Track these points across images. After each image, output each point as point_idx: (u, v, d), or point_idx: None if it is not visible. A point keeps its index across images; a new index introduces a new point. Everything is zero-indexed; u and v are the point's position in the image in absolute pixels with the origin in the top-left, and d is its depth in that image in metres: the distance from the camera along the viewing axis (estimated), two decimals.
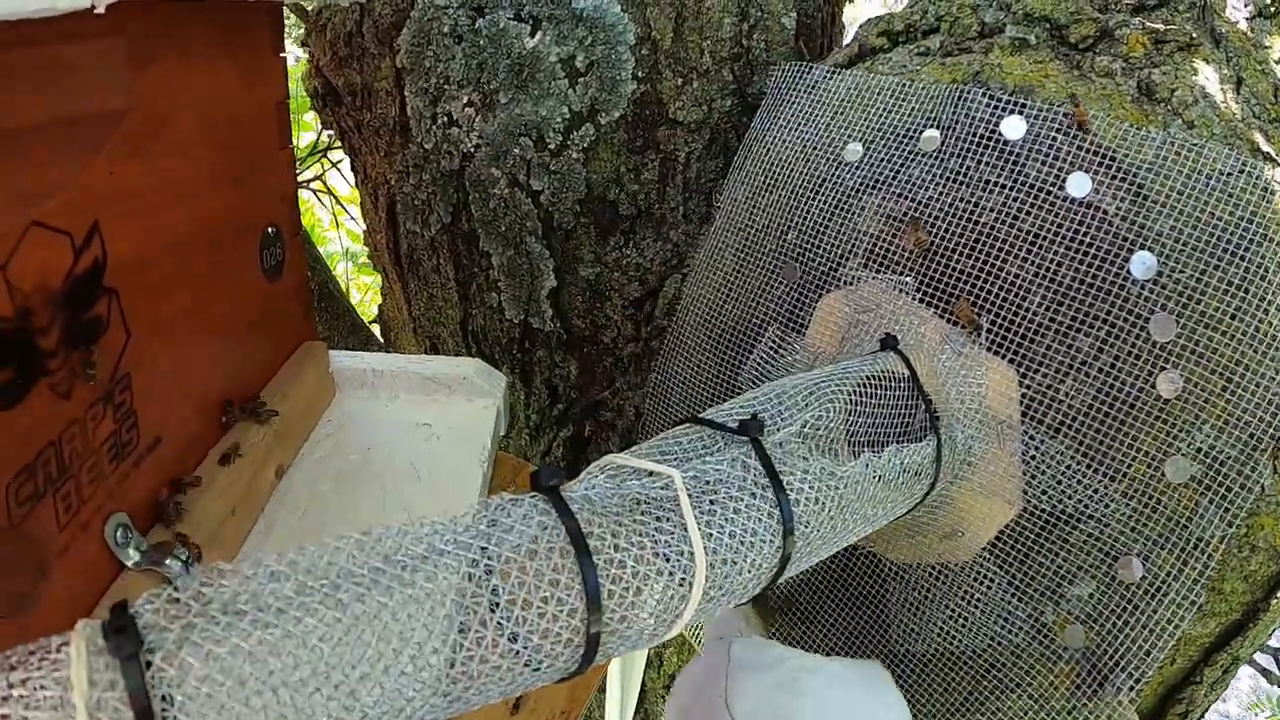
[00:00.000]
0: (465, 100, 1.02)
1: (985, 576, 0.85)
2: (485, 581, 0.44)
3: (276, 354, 0.96)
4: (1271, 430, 0.77)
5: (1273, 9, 0.87)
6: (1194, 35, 0.83)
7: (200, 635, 0.37)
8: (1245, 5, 0.87)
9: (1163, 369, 0.78)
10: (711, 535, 0.52)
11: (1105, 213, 0.79)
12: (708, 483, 0.56)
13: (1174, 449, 0.78)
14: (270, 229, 0.93)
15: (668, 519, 0.51)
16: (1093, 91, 0.82)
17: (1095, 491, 0.80)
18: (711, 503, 0.54)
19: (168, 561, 0.68)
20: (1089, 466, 0.80)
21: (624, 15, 0.99)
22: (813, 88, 0.95)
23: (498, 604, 0.44)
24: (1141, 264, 0.78)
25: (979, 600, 0.86)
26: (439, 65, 1.02)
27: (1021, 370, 0.82)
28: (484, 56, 1.01)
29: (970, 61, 0.87)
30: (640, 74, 1.00)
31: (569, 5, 0.99)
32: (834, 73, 0.94)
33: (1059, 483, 0.82)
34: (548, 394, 1.06)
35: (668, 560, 0.50)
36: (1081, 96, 0.82)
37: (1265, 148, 0.80)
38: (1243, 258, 0.77)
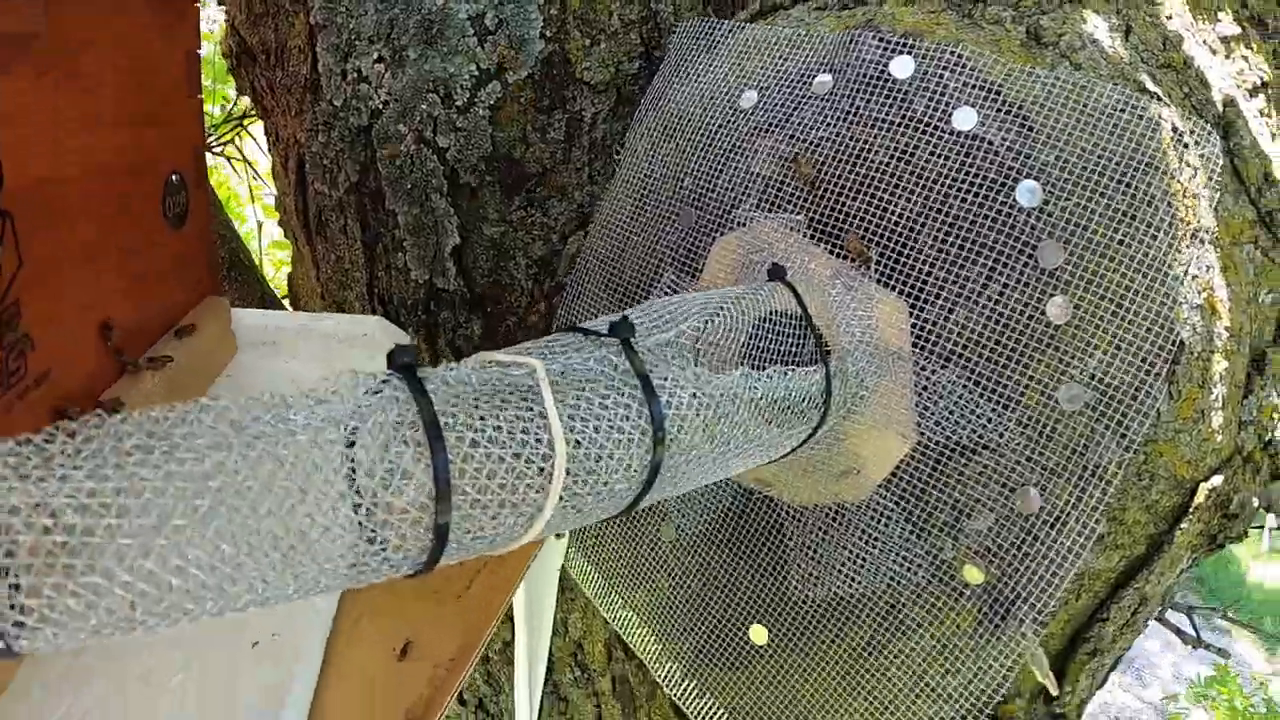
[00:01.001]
0: (375, 56, 0.95)
1: (882, 514, 0.78)
2: (346, 454, 0.38)
3: (177, 304, 0.88)
4: (1164, 355, 0.71)
5: None
6: None
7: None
8: None
9: (1051, 295, 0.72)
10: (574, 427, 0.47)
11: (991, 144, 0.73)
12: (574, 376, 0.50)
13: (1066, 376, 0.72)
14: (174, 176, 0.86)
15: (529, 407, 0.46)
16: (982, 37, 0.77)
17: (989, 421, 0.74)
18: (576, 396, 0.49)
19: None
20: (982, 395, 0.74)
21: None
22: (713, 45, 0.90)
23: (353, 478, 0.39)
24: (1027, 192, 0.72)
25: (877, 540, 0.79)
26: (351, 21, 0.96)
27: (912, 301, 0.76)
28: (395, 12, 0.95)
29: (865, 12, 0.82)
30: (549, 34, 0.94)
31: None
32: (734, 28, 0.88)
33: (952, 413, 0.75)
34: (453, 355, 0.99)
35: (525, 446, 0.44)
36: (970, 41, 0.77)
37: (1152, 88, 0.75)
38: (1130, 186, 0.71)
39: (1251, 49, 0.84)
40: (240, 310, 0.95)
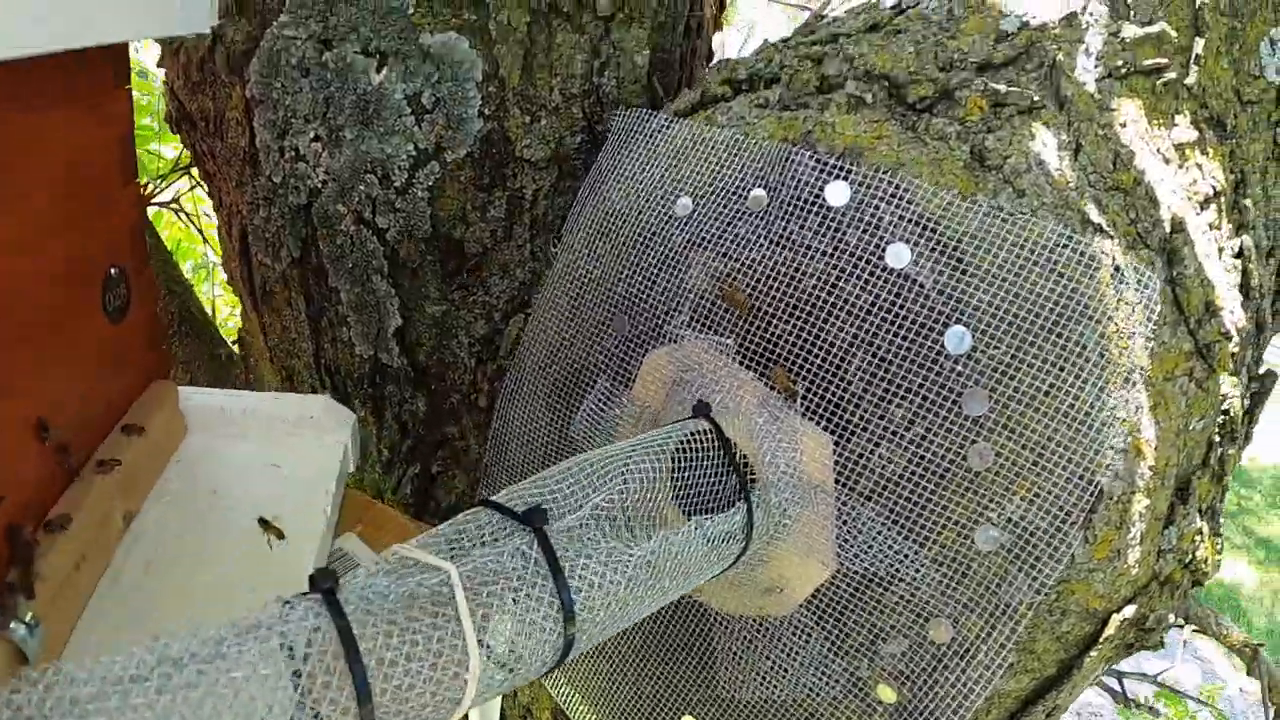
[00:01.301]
0: (312, 135, 0.91)
1: (804, 631, 0.78)
2: (289, 665, 0.43)
3: (123, 396, 0.87)
4: (1082, 504, 0.69)
5: (1123, 70, 0.77)
6: (1036, 99, 0.74)
7: None
8: (1095, 65, 0.78)
9: (974, 442, 0.70)
10: (487, 628, 0.50)
11: (922, 286, 0.70)
12: (486, 576, 0.52)
13: (984, 518, 0.71)
14: (113, 269, 0.83)
15: (444, 615, 0.49)
16: (924, 155, 0.73)
17: (906, 556, 0.73)
18: (489, 595, 0.51)
19: (11, 625, 0.62)
20: (900, 532, 0.73)
21: (472, 52, 0.89)
22: (652, 135, 0.85)
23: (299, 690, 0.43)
24: (956, 338, 0.69)
25: (798, 653, 0.79)
26: (286, 98, 0.91)
27: (836, 433, 0.74)
28: (330, 91, 0.90)
29: (805, 119, 0.77)
30: (487, 111, 0.90)
31: (416, 41, 0.88)
32: (673, 121, 0.84)
33: (870, 547, 0.74)
34: (399, 429, 0.97)
35: (440, 655, 0.47)
36: (911, 161, 0.73)
37: (1096, 218, 0.71)
38: (1061, 334, 0.69)
39: (1207, 154, 0.80)
40: (187, 390, 0.94)
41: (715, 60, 0.90)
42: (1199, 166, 0.79)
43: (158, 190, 1.81)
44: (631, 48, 0.92)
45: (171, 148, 1.93)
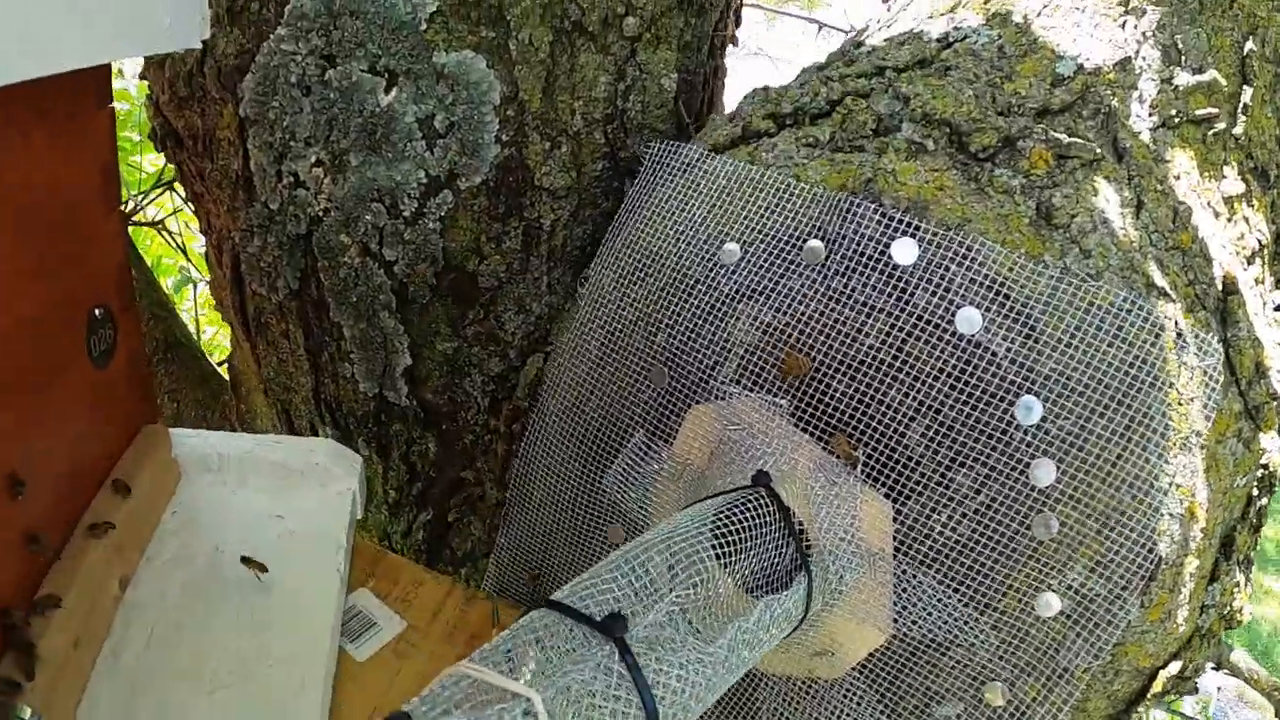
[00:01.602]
0: (313, 159, 0.83)
1: (854, 694, 0.76)
2: None
3: (111, 445, 0.79)
4: (1142, 572, 0.68)
5: (1176, 120, 0.75)
6: (1098, 151, 0.71)
7: None
8: (1149, 114, 0.75)
9: (1039, 512, 0.68)
10: None
11: (994, 354, 0.67)
12: (571, 697, 0.49)
13: (1045, 586, 0.69)
14: (98, 310, 0.75)
15: None
16: (989, 210, 0.70)
17: (965, 623, 0.71)
18: (575, 717, 0.48)
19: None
20: (960, 599, 0.71)
21: (490, 73, 0.82)
22: (688, 168, 0.80)
23: None
24: (1026, 409, 0.67)
25: (847, 715, 0.76)
26: (285, 119, 0.83)
27: (895, 499, 0.71)
28: (334, 112, 0.82)
29: (862, 163, 0.73)
30: (505, 137, 0.83)
31: (429, 60, 0.81)
32: (711, 156, 0.79)
33: (929, 613, 0.72)
34: (406, 470, 0.91)
35: None
36: (977, 217, 0.70)
37: (1160, 281, 0.69)
38: (1129, 403, 0.66)
39: (1253, 206, 0.79)
40: (179, 432, 0.86)
41: (752, 90, 0.85)
42: (1246, 220, 0.77)
43: (139, 207, 1.67)
44: (658, 70, 0.86)
45: (151, 163, 1.78)
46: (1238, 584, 0.78)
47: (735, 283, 0.74)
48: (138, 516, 0.79)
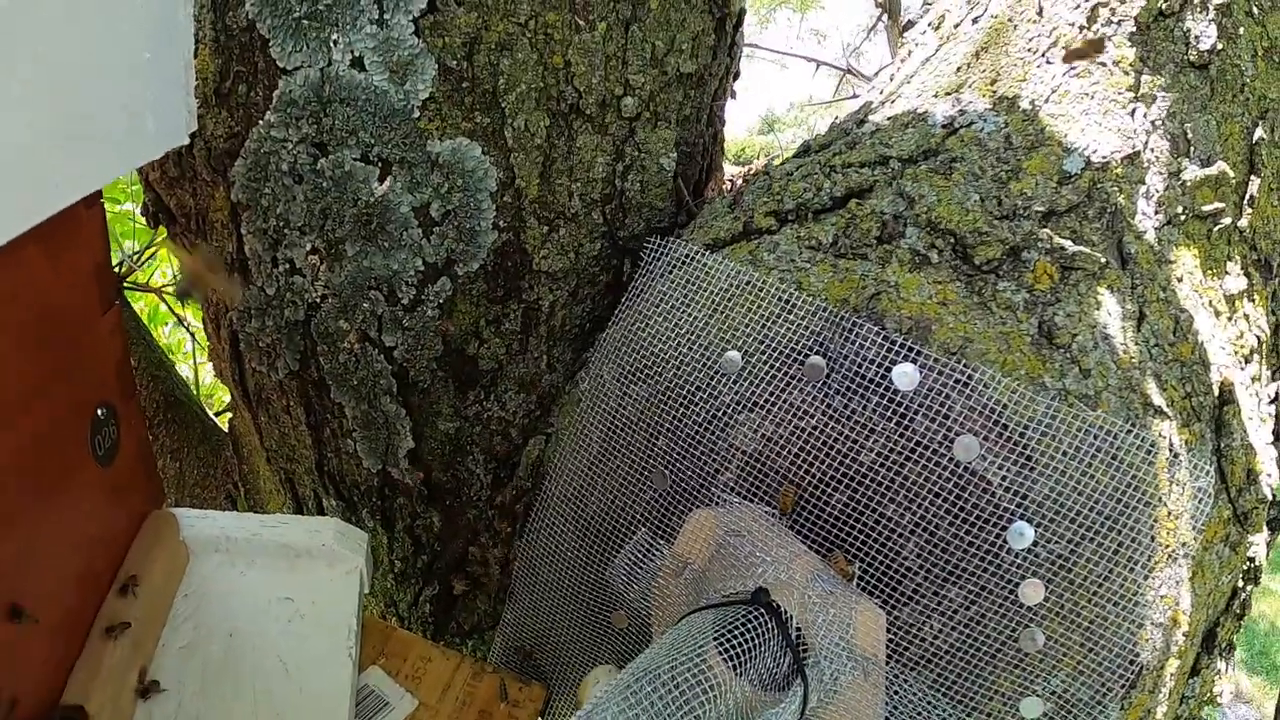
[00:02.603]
0: (308, 247, 0.81)
1: None
2: None
3: (120, 538, 0.79)
4: (1123, 679, 0.69)
5: (1182, 217, 0.73)
6: (1102, 260, 0.69)
7: None
8: (1155, 211, 0.73)
9: (1026, 627, 0.68)
10: None
11: (989, 482, 0.66)
12: None
13: (1030, 690, 0.70)
14: (101, 411, 0.74)
15: None
16: (991, 329, 0.69)
17: None
18: None
19: None
20: (948, 700, 0.71)
21: (485, 159, 0.79)
22: (686, 262, 0.78)
23: None
24: (1018, 535, 0.67)
25: None
26: (278, 205, 0.81)
27: (890, 609, 0.71)
28: (328, 201, 0.79)
29: (865, 273, 0.71)
30: (502, 222, 0.81)
31: (423, 148, 0.78)
32: (712, 255, 0.76)
33: (918, 713, 0.73)
34: (411, 543, 0.91)
35: None
36: (979, 336, 0.68)
37: (1157, 400, 0.68)
38: (1120, 524, 0.67)
39: (1254, 300, 0.77)
40: (186, 514, 0.86)
41: (755, 174, 0.82)
42: (1246, 317, 0.76)
43: (135, 267, 1.61)
44: (657, 149, 0.83)
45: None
46: (1218, 672, 0.79)
47: (737, 393, 0.72)
48: (152, 606, 0.79)
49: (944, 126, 0.78)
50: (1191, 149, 0.75)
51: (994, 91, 0.79)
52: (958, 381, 0.67)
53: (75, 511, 0.70)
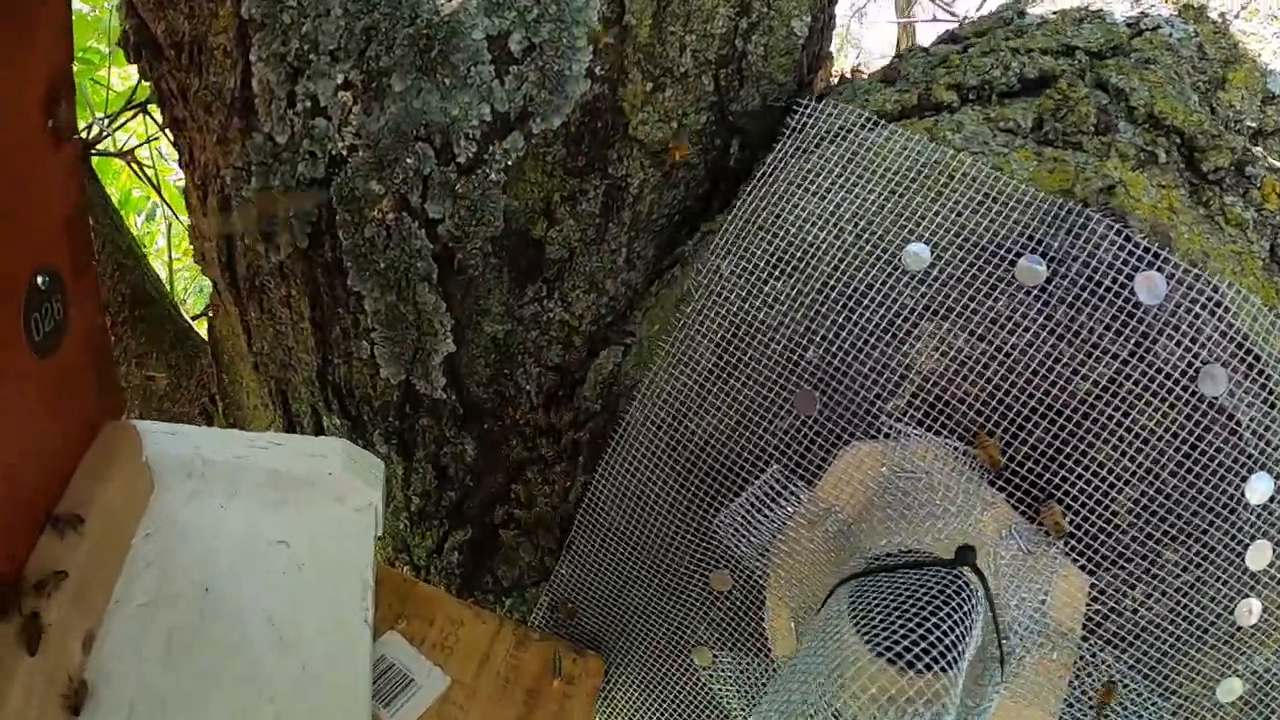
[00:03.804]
0: (340, 80, 0.59)
1: None
2: None
3: (63, 457, 0.56)
4: None
5: None
6: None
7: None
8: None
9: (1246, 597, 0.56)
10: None
11: (1238, 423, 0.53)
12: None
13: (1231, 671, 0.58)
14: (41, 278, 0.51)
15: None
16: (1224, 246, 0.55)
17: (1144, 707, 0.59)
18: None
19: None
20: (1143, 682, 0.59)
21: None
22: (845, 134, 0.60)
23: None
24: (1258, 488, 0.54)
25: None
26: (304, 22, 0.58)
27: (1089, 566, 0.57)
28: (374, 17, 0.58)
29: (1083, 165, 0.56)
30: (599, 70, 0.61)
31: None
32: (883, 126, 0.59)
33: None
34: (435, 474, 0.70)
35: None
36: (1214, 254, 0.54)
37: None
38: None
39: None
40: (150, 428, 0.62)
41: (908, 49, 0.65)
42: None
43: (104, 134, 1.27)
44: (789, 9, 0.65)
45: (123, 77, 1.36)
46: None
47: (922, 296, 0.56)
48: (102, 547, 0.56)
49: (1128, 25, 0.63)
50: None
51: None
52: (1208, 300, 0.53)
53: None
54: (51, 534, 0.52)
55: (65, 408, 0.54)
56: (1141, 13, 0.65)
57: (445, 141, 0.61)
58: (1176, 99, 0.58)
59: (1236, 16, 0.65)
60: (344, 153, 0.60)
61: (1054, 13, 0.67)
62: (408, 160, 0.61)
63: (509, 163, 0.62)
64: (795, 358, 0.59)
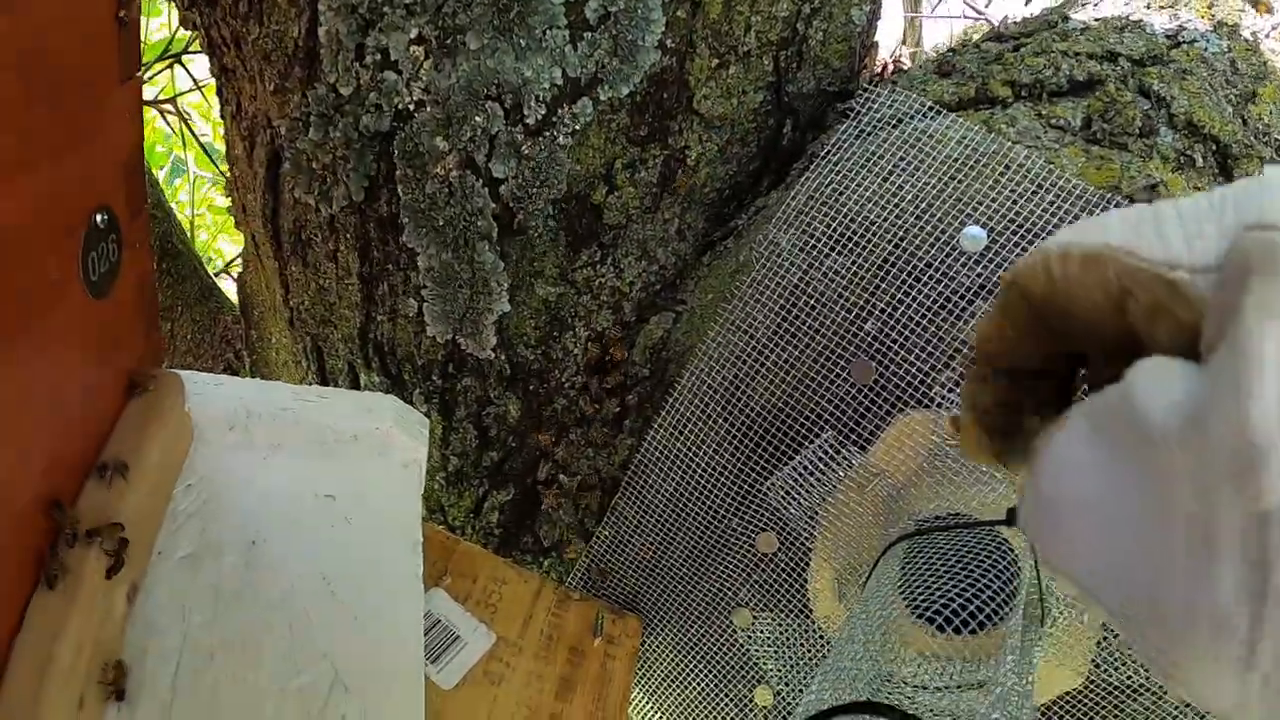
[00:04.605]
0: (414, 34, 0.57)
1: None
2: None
3: (109, 402, 0.53)
4: None
5: None
6: None
7: None
8: None
9: None
10: None
11: None
12: None
13: None
14: (100, 216, 0.49)
15: None
16: None
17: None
18: None
19: None
20: None
21: None
22: (904, 121, 0.62)
23: None
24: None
25: None
26: None
27: None
28: None
29: (1128, 164, 0.58)
30: (670, 42, 0.61)
31: None
32: (942, 114, 0.61)
33: (1131, 658, 0.63)
34: (476, 435, 0.69)
35: None
36: None
37: None
38: None
39: None
40: (194, 378, 0.60)
41: (961, 44, 0.67)
42: None
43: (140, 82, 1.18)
44: None
45: (159, 28, 1.26)
46: None
47: (977, 275, 0.58)
48: (146, 498, 0.54)
49: (1167, 37, 0.66)
50: None
51: (1212, 15, 0.69)
52: None
53: (52, 353, 0.45)
54: (98, 481, 0.50)
55: (113, 352, 0.52)
56: (1180, 25, 0.68)
57: (516, 102, 0.60)
58: (1213, 109, 0.61)
59: (1267, 36, 0.69)
60: (410, 107, 0.59)
61: (1095, 20, 0.70)
62: (476, 119, 0.60)
63: (576, 127, 0.61)
64: (854, 329, 0.60)
